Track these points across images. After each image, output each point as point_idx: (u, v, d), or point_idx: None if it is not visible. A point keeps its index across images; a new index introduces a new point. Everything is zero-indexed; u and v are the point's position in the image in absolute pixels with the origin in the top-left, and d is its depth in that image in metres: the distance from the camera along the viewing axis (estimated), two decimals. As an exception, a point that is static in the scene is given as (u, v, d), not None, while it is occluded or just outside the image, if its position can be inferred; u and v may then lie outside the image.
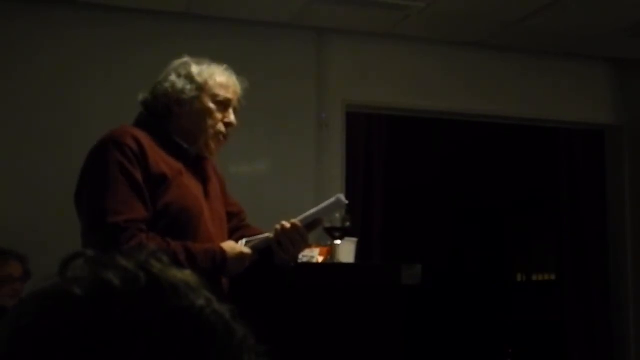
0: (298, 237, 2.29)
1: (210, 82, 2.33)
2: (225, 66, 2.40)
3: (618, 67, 4.98)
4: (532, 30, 4.39)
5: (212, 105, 2.32)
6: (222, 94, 2.34)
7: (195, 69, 2.35)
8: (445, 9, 4.07)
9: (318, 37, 4.42)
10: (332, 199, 2.37)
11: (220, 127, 2.34)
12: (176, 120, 2.31)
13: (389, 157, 4.89)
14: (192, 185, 2.29)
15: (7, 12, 3.93)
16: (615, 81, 4.99)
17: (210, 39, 4.06)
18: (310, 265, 2.70)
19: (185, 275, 0.68)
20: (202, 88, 2.32)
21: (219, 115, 2.33)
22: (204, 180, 2.36)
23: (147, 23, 4.12)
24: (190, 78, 2.32)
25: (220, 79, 2.35)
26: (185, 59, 2.39)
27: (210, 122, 2.32)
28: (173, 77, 2.33)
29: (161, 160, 2.22)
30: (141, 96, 2.36)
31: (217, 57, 2.43)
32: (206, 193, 2.34)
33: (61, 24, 4.01)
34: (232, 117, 2.36)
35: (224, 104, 2.34)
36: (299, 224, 2.29)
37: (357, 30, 4.42)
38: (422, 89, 4.61)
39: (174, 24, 4.14)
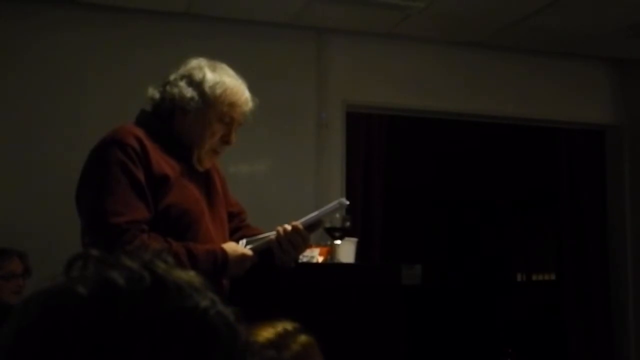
0: (299, 239, 2.29)
1: (220, 99, 2.26)
2: (239, 80, 2.33)
3: (618, 67, 4.98)
4: (532, 30, 4.39)
5: (214, 122, 2.27)
6: (229, 113, 2.28)
7: (208, 79, 2.27)
8: (445, 9, 4.07)
9: (318, 37, 4.42)
10: (334, 203, 2.37)
11: (217, 144, 2.30)
12: (177, 124, 2.28)
13: (389, 157, 4.89)
14: (193, 186, 2.28)
15: (7, 12, 3.93)
16: (615, 81, 4.99)
17: (210, 39, 4.06)
18: (310, 265, 2.70)
19: (190, 276, 0.68)
20: (209, 103, 2.26)
21: (219, 133, 2.29)
22: (204, 180, 2.35)
23: (147, 23, 4.12)
24: (200, 89, 2.26)
25: (231, 97, 2.28)
26: (202, 61, 2.32)
27: (208, 137, 2.27)
28: (183, 84, 2.27)
29: (163, 160, 2.21)
30: (150, 91, 2.32)
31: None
32: (207, 194, 2.33)
33: (61, 24, 4.01)
34: (232, 137, 2.31)
35: (227, 121, 2.29)
36: (300, 226, 2.28)
37: (357, 30, 4.42)
38: (422, 89, 4.60)
39: (174, 24, 4.14)
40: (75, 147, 2.60)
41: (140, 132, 2.20)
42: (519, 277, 7.28)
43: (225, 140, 2.31)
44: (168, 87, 2.29)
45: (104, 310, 0.62)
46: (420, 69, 4.61)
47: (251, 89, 2.39)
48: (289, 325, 1.57)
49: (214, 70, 2.31)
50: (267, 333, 1.54)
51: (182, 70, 2.32)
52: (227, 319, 0.67)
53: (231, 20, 4.21)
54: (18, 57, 3.95)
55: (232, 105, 2.29)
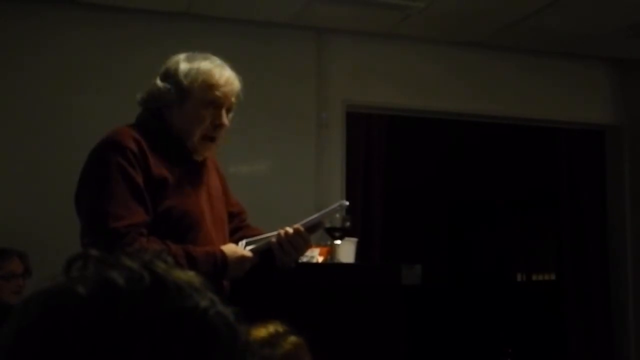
0: (300, 241, 2.28)
1: (196, 84, 2.24)
2: (218, 62, 2.30)
3: (618, 67, 4.98)
4: (532, 30, 4.39)
5: (199, 109, 2.24)
6: (210, 95, 2.24)
7: (182, 68, 2.25)
8: (445, 9, 4.07)
9: (318, 37, 4.42)
10: (335, 204, 2.37)
11: (209, 130, 2.26)
12: (169, 122, 2.27)
13: (388, 157, 4.89)
14: (193, 187, 2.26)
15: (7, 12, 3.93)
16: (615, 81, 4.99)
17: (210, 39, 4.06)
18: (310, 265, 2.70)
19: (190, 276, 0.68)
20: (187, 91, 2.23)
21: (207, 118, 2.24)
22: (205, 181, 2.34)
23: (147, 23, 4.12)
24: (175, 81, 2.24)
25: (209, 79, 2.25)
26: (180, 55, 2.31)
27: (197, 126, 2.24)
28: (158, 81, 2.26)
29: (161, 162, 2.20)
30: (139, 96, 2.32)
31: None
32: (207, 194, 2.32)
33: (61, 24, 4.01)
34: (223, 118, 2.27)
35: (213, 105, 2.25)
36: (301, 228, 2.28)
37: (357, 30, 4.43)
38: (422, 89, 4.61)
39: (174, 24, 4.14)
40: (75, 147, 2.59)
41: (138, 134, 2.19)
42: (519, 277, 7.27)
43: (217, 124, 2.27)
44: (150, 88, 2.28)
45: (104, 310, 0.62)
46: (420, 69, 4.61)
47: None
48: (279, 327, 1.64)
49: (189, 60, 2.29)
50: (260, 333, 1.62)
51: (162, 68, 2.31)
52: (227, 319, 0.67)
53: (231, 20, 4.21)
54: (18, 57, 3.95)
55: (212, 87, 2.25)
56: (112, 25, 4.07)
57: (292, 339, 1.64)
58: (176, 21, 4.15)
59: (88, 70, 4.01)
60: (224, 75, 2.28)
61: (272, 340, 1.60)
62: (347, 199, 2.41)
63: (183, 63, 2.27)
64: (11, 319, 0.65)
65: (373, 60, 4.53)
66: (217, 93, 2.26)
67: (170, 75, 2.26)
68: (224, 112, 2.28)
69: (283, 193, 4.17)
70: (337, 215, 2.62)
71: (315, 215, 2.34)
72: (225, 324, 0.66)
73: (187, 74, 2.25)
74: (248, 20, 4.24)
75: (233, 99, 2.31)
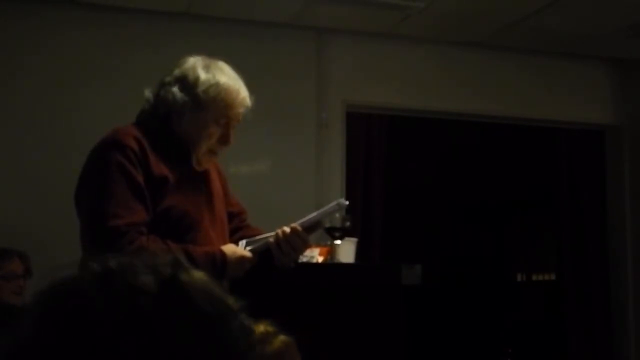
0: (299, 241, 2.28)
1: (214, 102, 2.22)
2: (236, 79, 2.28)
3: (618, 67, 4.98)
4: (532, 30, 4.39)
5: (211, 124, 2.24)
6: (224, 115, 2.24)
7: (201, 82, 2.22)
8: (445, 9, 4.08)
9: (318, 37, 4.42)
10: (333, 203, 2.36)
11: (215, 145, 2.27)
12: (175, 126, 2.26)
13: (389, 157, 4.89)
14: (193, 187, 2.26)
15: (7, 12, 3.93)
16: (615, 81, 4.99)
17: (210, 39, 4.06)
18: (310, 265, 2.70)
19: (206, 280, 0.68)
20: (203, 107, 2.22)
21: (216, 134, 2.25)
22: (204, 181, 2.33)
23: (147, 23, 4.12)
24: (193, 94, 2.21)
25: (227, 99, 2.23)
26: (197, 61, 2.27)
27: (205, 139, 2.24)
28: (176, 90, 2.22)
29: (162, 161, 2.19)
30: (146, 94, 2.28)
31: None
32: (206, 194, 2.31)
33: (61, 24, 4.01)
34: (231, 137, 2.27)
35: (224, 124, 2.26)
36: (299, 228, 2.28)
37: (357, 30, 4.43)
38: (422, 89, 4.61)
39: (174, 24, 4.14)
40: (75, 147, 2.60)
41: (139, 133, 2.19)
42: (519, 277, 7.27)
43: (224, 141, 2.28)
44: (162, 92, 2.24)
45: (119, 313, 0.62)
46: (420, 69, 4.61)
47: (251, 89, 2.37)
48: (269, 326, 1.66)
49: (207, 70, 2.26)
50: None
51: (177, 71, 2.26)
52: (244, 326, 0.67)
53: (231, 20, 4.21)
54: (18, 57, 3.95)
55: (228, 106, 2.25)
56: (112, 25, 4.07)
57: (282, 337, 1.66)
58: (176, 21, 4.15)
59: (88, 70, 4.01)
60: (240, 94, 2.27)
61: (262, 338, 1.62)
62: (347, 199, 2.40)
63: (202, 74, 2.24)
64: (26, 314, 0.65)
65: (373, 60, 4.53)
66: (231, 114, 2.26)
67: (190, 86, 2.22)
68: (232, 132, 2.28)
69: (283, 193, 4.17)
70: (337, 215, 2.61)
71: (314, 214, 2.34)
72: (242, 331, 0.66)
73: (207, 89, 2.22)
74: (248, 20, 4.24)
75: (241, 117, 2.31)
